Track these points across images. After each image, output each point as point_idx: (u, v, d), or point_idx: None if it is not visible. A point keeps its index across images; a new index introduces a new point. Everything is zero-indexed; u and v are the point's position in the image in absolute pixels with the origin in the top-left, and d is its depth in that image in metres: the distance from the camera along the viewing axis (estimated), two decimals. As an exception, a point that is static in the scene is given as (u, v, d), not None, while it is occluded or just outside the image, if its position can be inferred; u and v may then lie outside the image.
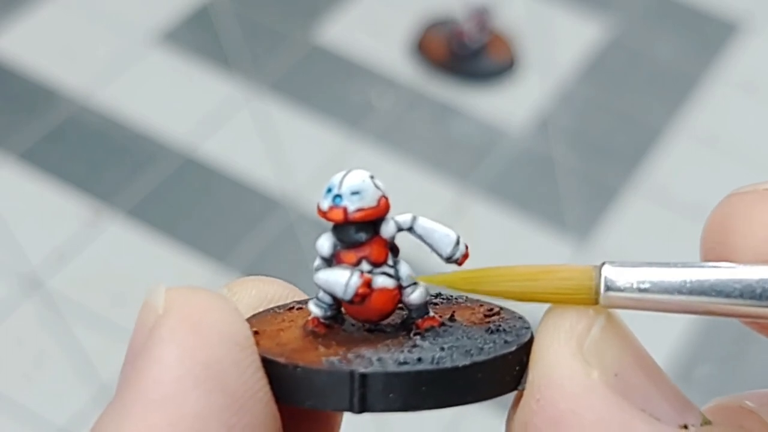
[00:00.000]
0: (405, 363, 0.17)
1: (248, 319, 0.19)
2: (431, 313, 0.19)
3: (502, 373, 0.18)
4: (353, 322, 0.19)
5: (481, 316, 0.20)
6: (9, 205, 1.14)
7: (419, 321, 0.19)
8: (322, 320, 0.19)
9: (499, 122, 1.27)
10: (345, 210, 0.18)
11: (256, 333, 0.18)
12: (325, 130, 1.24)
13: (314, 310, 0.19)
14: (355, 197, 0.18)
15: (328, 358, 0.17)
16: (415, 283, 0.19)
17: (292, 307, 0.20)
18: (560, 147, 1.25)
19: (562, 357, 0.17)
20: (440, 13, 1.36)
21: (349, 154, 1.21)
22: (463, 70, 1.31)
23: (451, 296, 0.21)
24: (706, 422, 0.18)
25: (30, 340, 1.03)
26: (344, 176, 0.18)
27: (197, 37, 1.32)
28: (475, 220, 1.17)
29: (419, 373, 0.17)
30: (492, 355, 0.18)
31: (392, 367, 0.17)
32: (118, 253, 1.11)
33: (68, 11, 1.33)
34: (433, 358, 0.17)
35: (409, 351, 0.18)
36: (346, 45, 1.34)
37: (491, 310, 0.20)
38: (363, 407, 0.17)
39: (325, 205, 0.18)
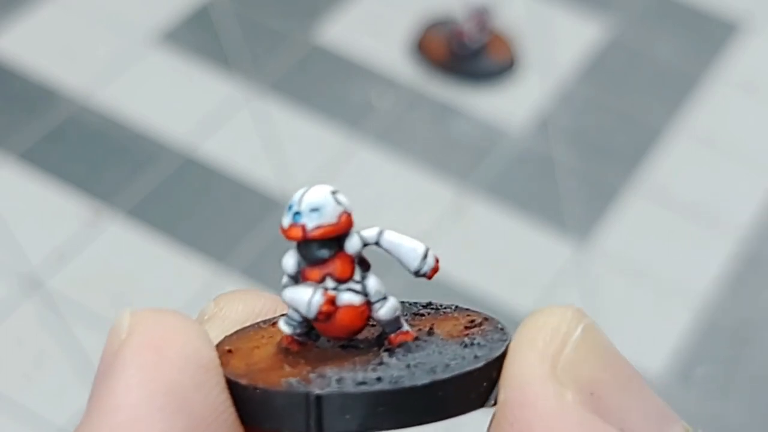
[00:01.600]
0: (363, 383, 0.17)
1: (230, 336, 0.19)
2: (405, 328, 0.19)
3: (466, 391, 0.17)
4: (328, 338, 0.19)
5: (461, 328, 0.19)
6: (9, 205, 1.14)
7: (392, 336, 0.19)
8: (295, 337, 0.19)
9: (499, 122, 1.27)
10: (303, 228, 0.18)
11: (229, 352, 0.18)
12: (325, 130, 1.24)
13: (284, 328, 0.19)
14: (314, 214, 0.18)
15: (287, 378, 0.17)
16: (384, 298, 0.18)
17: (275, 322, 0.20)
18: (560, 147, 1.25)
19: (535, 377, 0.17)
20: (440, 13, 1.36)
21: (349, 154, 1.21)
22: (463, 70, 1.31)
23: (441, 306, 0.20)
24: None
25: (30, 340, 1.03)
26: (304, 192, 0.18)
27: (197, 37, 1.32)
28: (475, 220, 1.17)
29: (375, 394, 0.17)
30: (454, 373, 0.17)
31: (349, 388, 0.17)
32: (118, 253, 1.11)
33: (68, 11, 1.33)
34: (392, 378, 0.17)
35: (373, 369, 0.17)
36: (346, 45, 1.34)
37: (473, 321, 0.19)
38: (319, 429, 0.17)
39: (286, 222, 0.18)
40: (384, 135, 1.24)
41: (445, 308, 0.20)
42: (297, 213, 0.18)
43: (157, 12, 1.35)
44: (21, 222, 1.12)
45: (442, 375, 0.17)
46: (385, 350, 0.18)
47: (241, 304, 0.20)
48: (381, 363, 0.18)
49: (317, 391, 0.17)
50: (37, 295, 1.06)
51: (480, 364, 0.17)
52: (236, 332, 0.19)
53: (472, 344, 0.18)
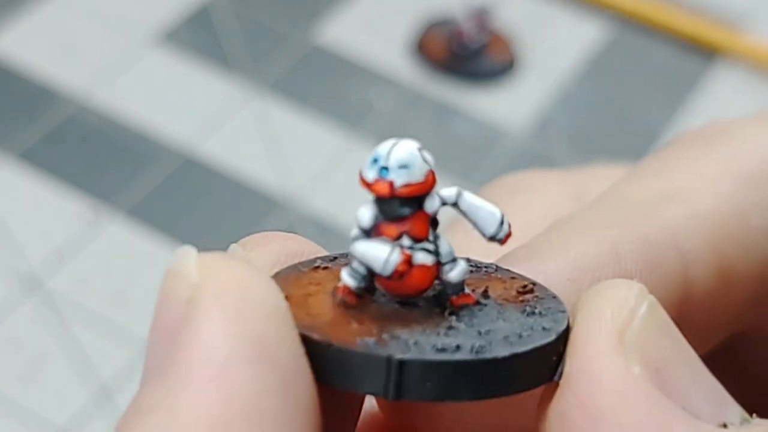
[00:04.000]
0: (443, 350, 0.16)
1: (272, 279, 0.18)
2: (466, 290, 0.18)
3: (541, 365, 0.17)
4: (384, 292, 0.18)
5: (514, 293, 0.19)
6: (9, 205, 1.14)
7: (454, 298, 0.18)
8: (353, 290, 0.18)
9: (499, 122, 1.27)
10: (391, 184, 0.17)
11: (286, 298, 0.17)
12: (325, 130, 1.24)
13: (348, 280, 0.18)
14: (403, 171, 0.17)
15: (362, 338, 0.17)
16: (453, 260, 0.18)
17: (318, 266, 0.19)
18: (560, 147, 1.25)
19: (601, 350, 0.17)
20: (440, 13, 1.36)
21: (349, 154, 1.21)
22: (463, 70, 1.31)
23: (481, 265, 0.20)
24: (745, 419, 0.17)
25: (30, 340, 1.03)
26: (392, 147, 0.18)
27: (197, 37, 1.32)
28: (475, 220, 1.17)
29: (458, 363, 0.16)
30: (531, 346, 0.17)
31: (430, 355, 0.16)
32: (118, 253, 1.11)
33: (68, 11, 1.33)
34: (472, 347, 0.17)
35: (446, 335, 0.17)
36: (346, 45, 1.34)
37: (525, 286, 0.19)
38: (398, 394, 0.16)
39: (371, 176, 0.18)
40: (384, 135, 1.24)
41: (486, 267, 0.20)
42: (384, 168, 0.18)
43: (157, 12, 1.35)
44: (21, 222, 1.12)
45: (520, 347, 0.17)
46: (450, 313, 0.18)
47: (271, 245, 0.19)
48: (450, 327, 0.17)
49: (399, 356, 0.16)
50: (37, 295, 1.06)
51: (553, 337, 0.17)
52: (275, 275, 0.18)
53: (533, 313, 0.18)
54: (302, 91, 1.28)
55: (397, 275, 0.17)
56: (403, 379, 0.16)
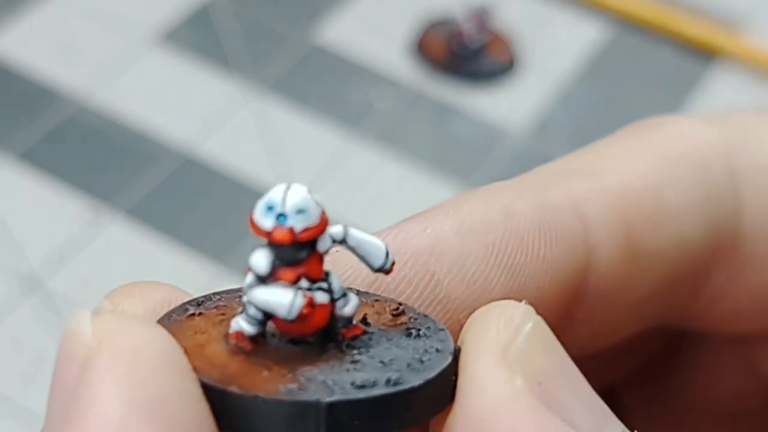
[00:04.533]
0: (363, 387, 0.17)
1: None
2: (354, 322, 0.19)
3: (446, 386, 0.18)
4: (273, 332, 0.18)
5: (389, 316, 0.19)
6: (9, 205, 1.14)
7: (344, 331, 0.18)
8: (246, 336, 0.18)
9: (499, 122, 1.27)
10: (291, 230, 0.17)
11: (199, 348, 0.17)
12: (325, 130, 1.24)
13: (245, 327, 0.18)
14: (301, 216, 0.18)
15: (285, 385, 0.17)
16: (344, 295, 0.18)
17: (193, 313, 0.19)
18: (560, 147, 1.25)
19: (486, 363, 0.17)
20: (440, 13, 1.36)
21: (349, 154, 1.21)
22: (463, 70, 1.31)
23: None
24: None
25: (30, 340, 1.03)
26: (286, 193, 0.18)
27: (197, 37, 1.32)
28: (475, 220, 1.17)
29: (381, 398, 0.17)
30: (438, 370, 0.17)
31: (353, 393, 0.17)
32: (118, 253, 1.11)
33: (68, 11, 1.33)
34: (388, 380, 0.17)
35: (355, 369, 0.17)
36: (346, 45, 1.34)
37: (396, 308, 0.19)
38: None
39: (269, 224, 0.18)
40: (384, 135, 1.24)
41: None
42: (281, 215, 0.18)
43: (157, 12, 1.35)
44: (21, 222, 1.12)
45: (430, 373, 0.17)
46: (346, 346, 0.18)
47: (137, 298, 0.19)
48: (354, 361, 0.18)
49: (327, 399, 0.16)
50: (37, 295, 1.06)
51: (450, 359, 0.18)
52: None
53: (418, 335, 0.18)
54: (302, 91, 1.28)
55: (301, 318, 0.18)
56: (332, 422, 0.16)
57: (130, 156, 1.20)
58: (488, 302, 0.19)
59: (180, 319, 0.19)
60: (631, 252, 0.22)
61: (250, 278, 0.18)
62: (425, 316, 0.19)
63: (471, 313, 0.19)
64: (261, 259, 0.18)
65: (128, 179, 1.18)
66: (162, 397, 0.15)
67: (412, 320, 0.19)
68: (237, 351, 0.18)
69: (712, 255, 0.22)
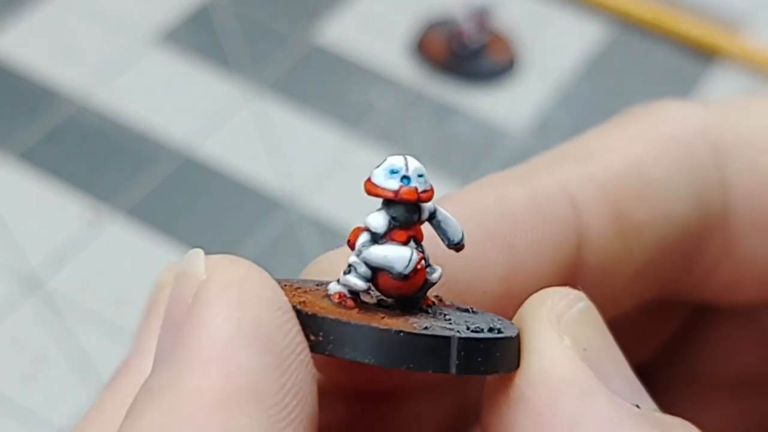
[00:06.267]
0: (478, 330, 0.18)
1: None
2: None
3: (518, 347, 0.19)
4: (365, 299, 0.20)
5: (436, 300, 0.21)
6: (9, 205, 1.14)
7: (425, 299, 0.20)
8: (348, 295, 0.19)
9: (499, 122, 1.27)
10: (416, 190, 0.19)
11: (302, 303, 0.18)
12: (325, 130, 1.24)
13: (359, 283, 0.19)
14: (421, 179, 0.19)
15: (418, 323, 0.18)
16: (430, 264, 0.20)
17: (299, 287, 0.20)
18: (560, 147, 1.25)
19: (539, 323, 0.19)
20: (440, 13, 1.36)
21: (349, 154, 1.22)
22: (463, 70, 1.31)
23: None
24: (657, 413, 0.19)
25: (30, 340, 1.03)
26: (406, 159, 0.19)
27: (197, 37, 1.33)
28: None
29: (498, 340, 0.18)
30: (516, 330, 0.19)
31: (477, 335, 0.18)
32: (118, 253, 1.11)
33: (68, 11, 1.33)
34: (491, 329, 0.19)
35: (449, 323, 0.19)
36: (346, 45, 1.34)
37: (436, 296, 0.21)
38: (459, 370, 0.18)
39: (394, 185, 0.19)
40: (384, 135, 1.24)
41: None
42: (405, 177, 0.19)
43: (157, 12, 1.35)
44: (21, 222, 1.12)
45: (515, 330, 0.19)
46: (429, 311, 0.20)
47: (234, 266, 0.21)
48: (447, 319, 0.19)
49: (461, 335, 0.18)
50: (37, 295, 1.06)
51: (516, 327, 0.19)
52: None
53: (474, 312, 0.20)
54: (302, 91, 1.28)
55: (414, 273, 0.19)
56: (463, 355, 0.18)
57: (130, 156, 1.20)
58: (490, 281, 0.21)
59: (285, 286, 0.20)
60: (620, 227, 0.23)
61: (364, 237, 0.20)
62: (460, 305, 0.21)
63: (474, 292, 0.21)
64: (379, 219, 0.20)
65: (128, 179, 1.18)
66: (265, 326, 0.17)
67: (454, 304, 0.21)
68: (343, 307, 0.19)
69: (702, 227, 0.23)
